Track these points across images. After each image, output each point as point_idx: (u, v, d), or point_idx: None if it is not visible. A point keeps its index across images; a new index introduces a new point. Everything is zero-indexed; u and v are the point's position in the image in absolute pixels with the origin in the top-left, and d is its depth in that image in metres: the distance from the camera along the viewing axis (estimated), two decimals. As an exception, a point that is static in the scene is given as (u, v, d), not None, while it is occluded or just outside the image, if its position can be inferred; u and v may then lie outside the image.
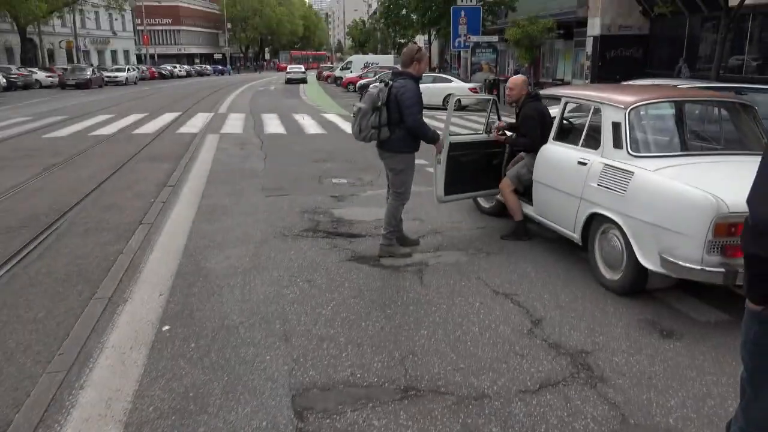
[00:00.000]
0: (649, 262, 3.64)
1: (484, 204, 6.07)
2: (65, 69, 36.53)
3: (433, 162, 5.46)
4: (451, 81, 20.81)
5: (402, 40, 42.68)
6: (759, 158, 1.55)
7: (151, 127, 14.04)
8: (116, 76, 39.07)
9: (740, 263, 2.63)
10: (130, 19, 62.08)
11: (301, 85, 38.10)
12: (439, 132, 4.93)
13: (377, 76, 22.84)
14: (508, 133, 5.43)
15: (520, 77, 5.49)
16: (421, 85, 4.69)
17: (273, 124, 14.87)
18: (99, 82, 35.58)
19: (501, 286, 4.15)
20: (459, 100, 17.07)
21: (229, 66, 75.36)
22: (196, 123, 15.06)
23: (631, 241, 3.77)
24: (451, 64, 34.69)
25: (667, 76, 16.50)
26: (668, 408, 2.70)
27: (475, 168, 5.33)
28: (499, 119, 5.54)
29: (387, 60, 39.38)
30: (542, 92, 5.54)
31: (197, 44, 78.99)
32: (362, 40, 68.02)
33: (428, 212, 6.04)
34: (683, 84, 8.81)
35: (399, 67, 4.88)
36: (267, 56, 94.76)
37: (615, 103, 4.20)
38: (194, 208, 6.26)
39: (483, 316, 3.66)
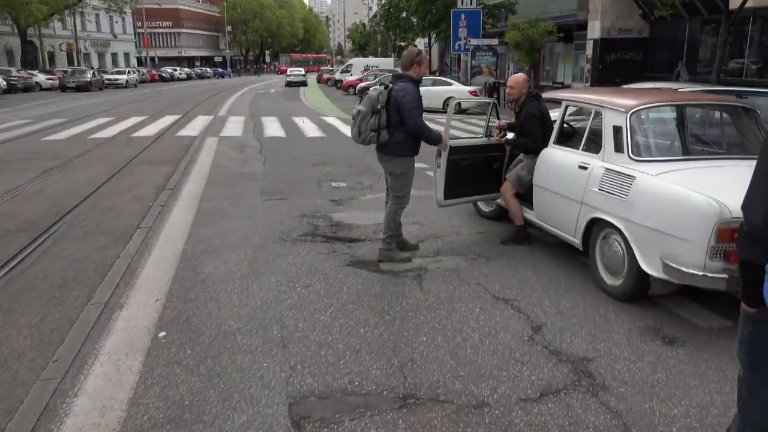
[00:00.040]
0: (651, 267, 3.60)
1: (484, 208, 6.04)
2: (65, 71, 36.55)
3: (432, 166, 5.42)
4: (451, 84, 20.80)
5: (402, 43, 42.70)
6: None
7: (150, 130, 14.01)
8: (116, 79, 39.07)
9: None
10: (131, 22, 62.10)
11: (301, 88, 38.10)
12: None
13: (377, 79, 22.84)
14: (509, 135, 5.38)
15: (520, 75, 5.41)
16: (420, 89, 4.66)
17: (273, 127, 14.85)
18: (99, 84, 35.59)
19: (501, 292, 4.11)
20: (459, 104, 17.04)
21: (229, 69, 75.39)
22: (195, 126, 15.03)
23: (633, 246, 3.73)
24: (451, 67, 34.70)
25: (666, 80, 16.49)
26: (671, 417, 2.66)
27: (475, 172, 5.29)
28: (498, 119, 5.49)
29: (387, 63, 39.41)
30: (542, 95, 5.50)
31: (198, 47, 79.05)
32: (362, 43, 68.08)
33: (428, 216, 6.00)
34: (684, 87, 8.79)
35: (399, 70, 4.85)
36: (267, 59, 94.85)
37: (616, 106, 4.16)
38: (193, 212, 6.22)
39: (483, 322, 3.62)
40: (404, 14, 34.93)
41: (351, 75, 35.61)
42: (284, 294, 4.04)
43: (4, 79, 29.42)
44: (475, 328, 3.53)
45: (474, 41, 22.01)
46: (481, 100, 18.43)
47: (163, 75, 53.48)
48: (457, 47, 22.73)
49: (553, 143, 4.80)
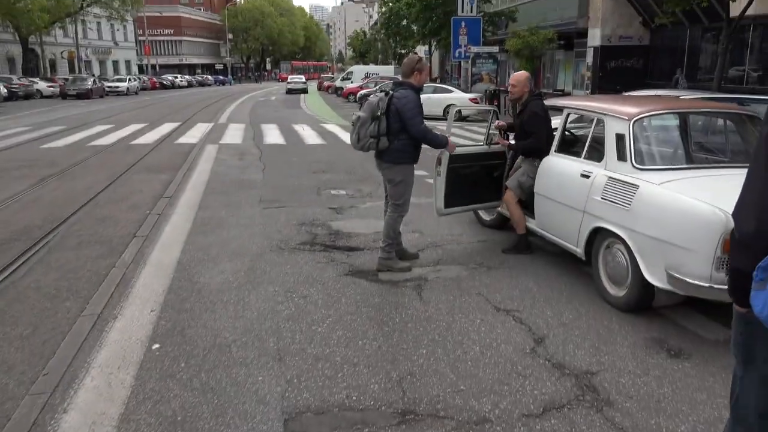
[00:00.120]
0: (655, 278, 3.52)
1: (485, 216, 5.97)
2: (66, 79, 36.63)
3: (432, 173, 5.36)
4: (451, 91, 20.80)
5: (403, 51, 42.82)
6: None
7: (150, 137, 13.97)
8: (117, 86, 39.13)
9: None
10: (132, 30, 62.32)
11: (302, 96, 38.14)
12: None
13: (378, 87, 22.84)
14: (511, 137, 5.30)
15: (522, 73, 5.26)
16: (421, 96, 4.60)
17: (272, 135, 14.81)
18: (100, 92, 35.64)
19: (502, 303, 4.03)
20: (459, 111, 17.02)
21: (230, 76, 75.57)
22: (195, 133, 15.00)
23: (637, 256, 3.65)
24: (451, 74, 34.75)
25: (667, 87, 16.47)
26: (678, 434, 2.58)
27: (475, 180, 5.23)
28: (497, 119, 5.41)
29: (388, 70, 39.44)
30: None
31: (199, 54, 79.31)
32: (363, 51, 68.27)
33: (428, 225, 5.93)
34: (685, 95, 8.74)
35: (400, 77, 4.80)
36: (268, 67, 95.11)
37: (618, 114, 4.10)
38: (190, 221, 6.16)
39: (484, 334, 3.54)
40: (405, 22, 35.02)
41: (351, 82, 35.65)
42: (281, 304, 3.96)
43: (5, 86, 29.42)
44: (476, 340, 3.45)
45: (474, 49, 22.01)
46: (481, 107, 18.42)
47: (164, 82, 53.60)
48: (457, 54, 22.73)
49: (555, 151, 4.73)
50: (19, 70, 39.87)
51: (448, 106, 18.56)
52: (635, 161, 3.90)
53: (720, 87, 14.20)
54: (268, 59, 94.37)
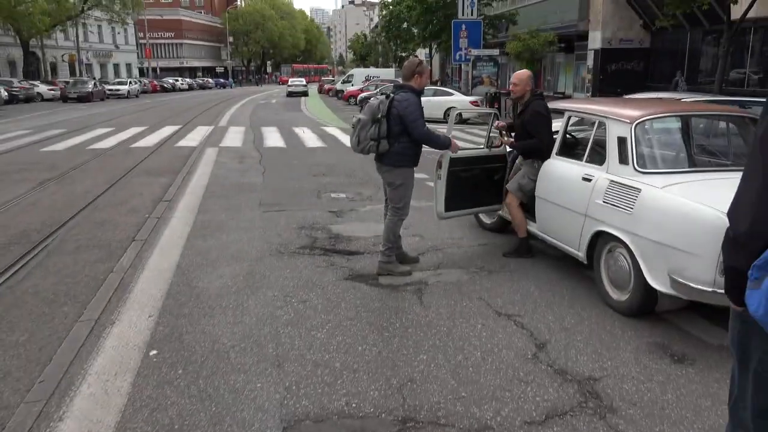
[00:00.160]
0: (658, 283, 3.49)
1: (486, 220, 5.93)
2: (67, 82, 36.62)
3: (433, 176, 5.32)
4: (452, 94, 20.77)
5: (403, 54, 42.87)
6: None
7: (150, 140, 13.96)
8: (118, 90, 39.13)
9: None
10: (133, 33, 62.38)
11: (303, 98, 38.14)
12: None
13: (378, 89, 22.84)
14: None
15: (524, 72, 5.17)
16: (421, 99, 4.57)
17: (273, 138, 14.79)
18: (101, 95, 35.66)
19: (503, 307, 3.99)
20: (460, 114, 17.00)
21: (231, 79, 75.63)
22: (195, 136, 14.98)
23: (639, 260, 3.61)
24: (452, 77, 34.75)
25: (667, 90, 16.45)
26: (683, 442, 2.54)
27: (476, 183, 5.19)
28: (498, 119, 5.36)
29: (388, 73, 39.48)
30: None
31: (199, 57, 79.37)
32: (363, 54, 68.38)
33: (428, 228, 5.90)
34: (686, 97, 8.71)
35: (400, 80, 4.77)
36: (269, 69, 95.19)
37: (620, 117, 4.07)
38: (189, 224, 6.12)
39: (485, 339, 3.50)
40: (405, 25, 35.08)
41: (352, 85, 35.67)
42: (280, 309, 3.92)
43: (5, 89, 29.46)
44: (477, 346, 3.41)
45: (475, 51, 22.00)
46: (482, 110, 18.39)
47: (165, 85, 53.60)
48: (458, 57, 22.71)
49: (556, 154, 4.70)
50: (19, 73, 39.93)
51: (449, 108, 18.50)
52: (637, 164, 3.86)
53: (721, 90, 14.18)
54: (268, 62, 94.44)
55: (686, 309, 3.74)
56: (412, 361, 3.22)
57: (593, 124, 4.46)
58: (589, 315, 3.86)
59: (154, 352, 3.31)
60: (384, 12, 42.21)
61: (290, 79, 50.37)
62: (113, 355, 3.26)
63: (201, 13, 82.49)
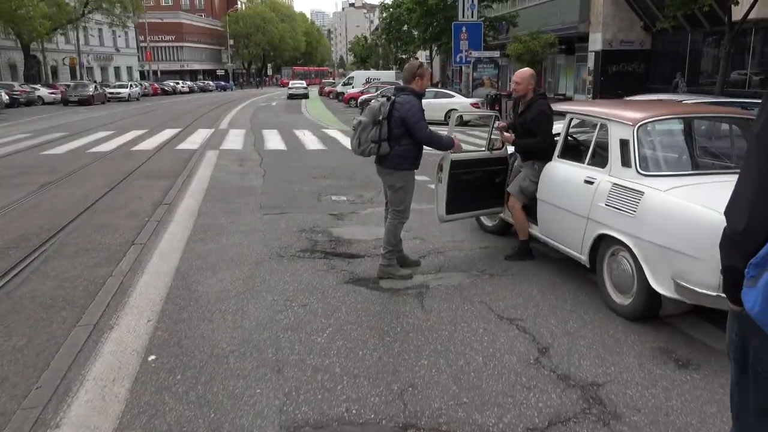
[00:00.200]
0: (661, 287, 3.45)
1: (488, 222, 5.90)
2: (68, 85, 36.65)
3: (434, 178, 5.29)
4: (452, 96, 20.75)
5: (404, 56, 42.89)
6: None
7: (150, 143, 13.94)
8: (119, 93, 39.18)
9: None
10: (134, 36, 62.47)
11: (303, 101, 38.15)
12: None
13: (379, 92, 22.83)
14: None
15: (527, 70, 5.06)
16: (422, 101, 4.54)
17: (273, 140, 14.77)
18: (101, 98, 35.69)
19: (505, 311, 3.96)
20: (461, 116, 16.98)
21: (231, 82, 75.68)
22: (195, 139, 14.96)
23: (642, 264, 3.58)
24: (452, 79, 34.74)
25: (668, 92, 16.43)
26: (688, 449, 2.50)
27: (477, 186, 5.16)
28: (498, 120, 5.32)
29: (389, 75, 39.53)
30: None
31: (200, 60, 79.47)
32: (364, 56, 68.45)
33: (429, 231, 5.87)
34: (688, 99, 8.68)
35: (401, 82, 4.75)
36: (269, 72, 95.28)
37: (623, 119, 4.04)
38: (189, 228, 6.09)
39: (487, 343, 3.46)
40: (405, 27, 35.10)
41: (353, 87, 35.69)
42: (280, 314, 3.89)
43: (6, 93, 29.45)
44: (479, 350, 3.37)
45: (475, 53, 22.00)
46: (482, 113, 18.36)
47: (166, 88, 53.65)
48: (458, 59, 22.73)
49: (558, 157, 4.67)
50: (20, 76, 39.94)
51: (450, 111, 18.48)
52: (640, 167, 3.83)
53: (722, 91, 14.16)
54: (269, 65, 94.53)
55: (690, 313, 3.70)
56: (413, 366, 3.18)
57: (595, 126, 4.43)
58: (592, 319, 3.82)
59: (153, 357, 3.28)
60: (384, 14, 42.26)
61: (291, 82, 50.41)
62: (111, 361, 3.23)
63: (201, 16, 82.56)
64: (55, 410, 2.75)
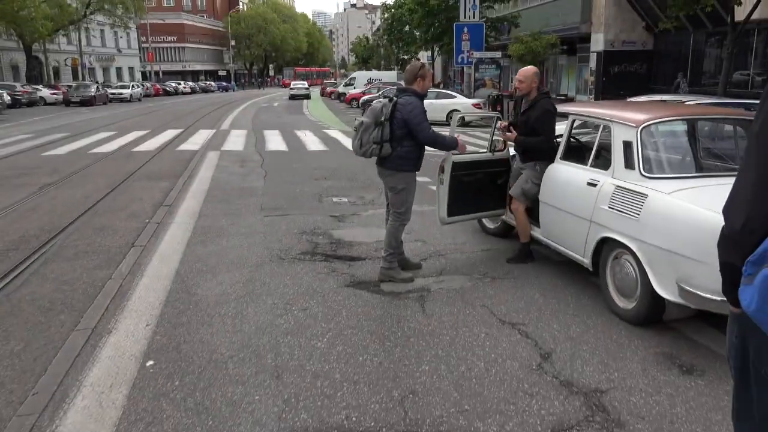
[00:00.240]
0: (666, 291, 3.41)
1: (489, 225, 5.86)
2: (70, 86, 36.70)
3: (435, 180, 5.25)
4: (454, 97, 20.73)
5: (405, 57, 42.88)
6: None
7: (151, 144, 13.93)
8: (121, 93, 39.23)
9: None
10: (135, 37, 62.53)
11: (305, 102, 38.13)
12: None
13: (380, 92, 22.80)
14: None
15: (530, 68, 4.98)
16: (424, 102, 4.50)
17: (275, 141, 14.74)
18: (103, 99, 35.73)
19: (507, 315, 3.92)
20: (463, 117, 16.94)
21: (233, 82, 75.74)
22: (197, 140, 14.94)
23: (646, 268, 3.54)
24: (454, 80, 34.71)
25: (669, 92, 16.37)
26: (694, 457, 2.46)
27: (479, 188, 5.12)
28: (500, 121, 5.27)
29: (390, 76, 39.47)
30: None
31: (202, 61, 79.52)
32: (366, 57, 68.46)
33: (431, 233, 5.83)
34: (691, 100, 8.63)
35: (402, 83, 4.71)
36: (271, 73, 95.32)
37: (626, 121, 4.00)
38: (189, 230, 6.06)
39: (489, 349, 3.42)
40: (407, 28, 35.07)
41: (354, 88, 35.67)
42: (280, 318, 3.86)
43: (8, 94, 29.48)
44: (481, 356, 3.33)
45: (477, 54, 21.96)
46: (484, 113, 18.32)
47: (168, 89, 53.71)
48: (460, 60, 22.69)
49: (560, 158, 4.63)
50: (22, 77, 39.99)
51: (451, 111, 18.47)
52: (643, 169, 3.79)
53: (725, 92, 14.11)
54: (271, 65, 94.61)
55: (695, 318, 3.66)
56: (414, 372, 3.14)
57: (598, 127, 4.39)
58: (595, 323, 3.78)
59: (151, 362, 3.24)
60: (386, 15, 42.24)
61: (292, 83, 50.47)
62: (109, 366, 3.19)
63: (203, 16, 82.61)
64: (51, 417, 2.71)
